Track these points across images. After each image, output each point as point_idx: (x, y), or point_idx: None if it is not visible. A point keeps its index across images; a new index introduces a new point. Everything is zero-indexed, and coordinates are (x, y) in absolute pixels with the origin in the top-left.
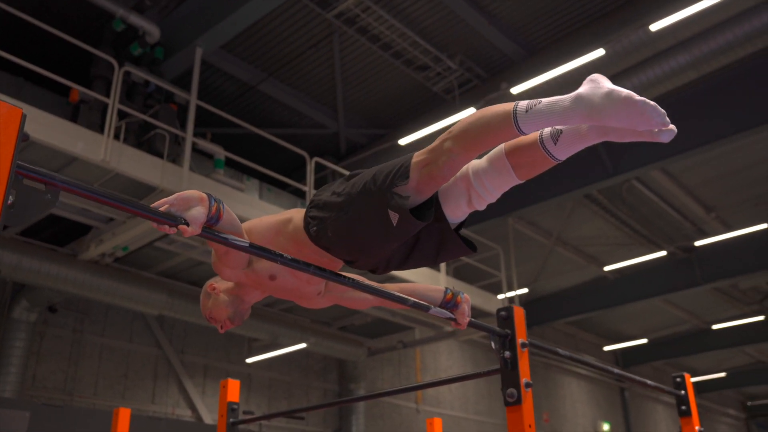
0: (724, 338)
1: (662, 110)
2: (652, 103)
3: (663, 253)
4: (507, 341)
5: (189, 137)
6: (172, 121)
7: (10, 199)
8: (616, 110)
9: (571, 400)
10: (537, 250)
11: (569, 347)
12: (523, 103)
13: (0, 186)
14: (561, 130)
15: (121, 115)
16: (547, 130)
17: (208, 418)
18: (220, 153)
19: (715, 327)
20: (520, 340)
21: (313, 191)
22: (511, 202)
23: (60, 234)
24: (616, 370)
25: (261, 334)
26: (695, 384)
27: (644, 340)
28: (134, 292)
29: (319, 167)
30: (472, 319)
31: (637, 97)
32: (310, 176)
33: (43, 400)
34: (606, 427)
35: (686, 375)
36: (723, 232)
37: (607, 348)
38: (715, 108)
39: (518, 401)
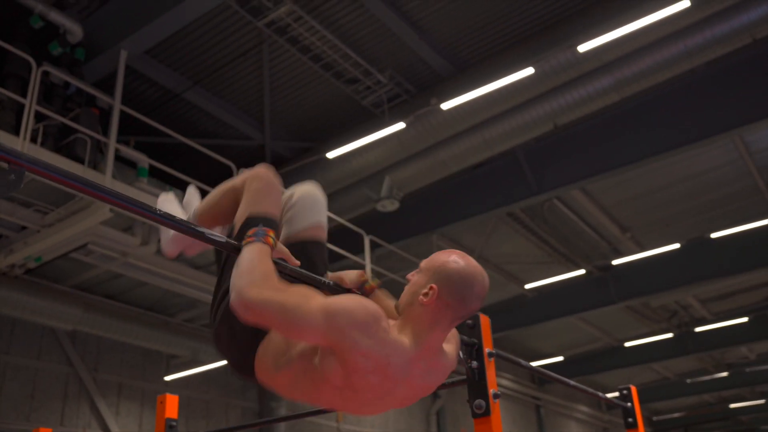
0: (635, 355)
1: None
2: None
3: (581, 271)
4: (474, 351)
5: (112, 143)
6: (93, 125)
7: None
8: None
9: None
10: None
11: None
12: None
13: None
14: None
15: (39, 117)
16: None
17: None
18: (144, 161)
19: (626, 344)
20: (486, 349)
21: None
22: (435, 219)
23: None
24: (602, 395)
25: (181, 350)
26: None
27: (560, 358)
28: (46, 305)
29: None
30: None
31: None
32: None
33: None
34: None
35: (632, 387)
36: (637, 251)
37: None
38: (634, 130)
39: (487, 412)
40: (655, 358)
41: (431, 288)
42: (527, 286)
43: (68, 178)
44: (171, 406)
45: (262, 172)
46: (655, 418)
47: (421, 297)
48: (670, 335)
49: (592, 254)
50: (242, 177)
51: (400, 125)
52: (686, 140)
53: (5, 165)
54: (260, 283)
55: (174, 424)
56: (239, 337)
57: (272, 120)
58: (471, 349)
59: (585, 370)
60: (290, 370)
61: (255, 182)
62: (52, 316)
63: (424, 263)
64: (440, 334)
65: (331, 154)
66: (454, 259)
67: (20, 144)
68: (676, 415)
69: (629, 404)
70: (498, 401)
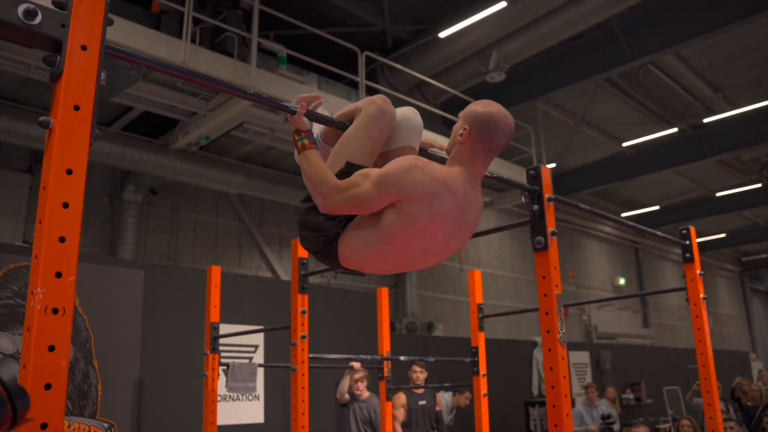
0: (726, 204)
1: None
2: None
3: (674, 129)
4: (535, 196)
5: (255, 38)
6: (239, 24)
7: (103, 75)
8: None
9: (592, 259)
10: (563, 130)
11: (591, 213)
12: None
13: (92, 64)
14: None
15: (196, 21)
16: None
17: (285, 277)
18: (282, 51)
19: (718, 194)
20: (546, 195)
21: (366, 82)
22: (539, 87)
23: (153, 128)
24: (630, 223)
25: None
26: (699, 244)
27: (656, 207)
28: (217, 174)
29: (369, 61)
30: (509, 179)
31: None
32: (362, 69)
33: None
34: (622, 281)
35: (691, 228)
36: (729, 110)
37: (624, 214)
38: None
39: (545, 247)
40: (745, 206)
41: (464, 129)
42: (625, 144)
43: (176, 70)
44: (302, 248)
45: (379, 99)
46: (744, 259)
47: (458, 138)
48: (759, 185)
49: (685, 114)
50: (362, 102)
51: (502, 4)
52: None
53: (128, 64)
54: (328, 193)
55: (305, 261)
56: (323, 232)
57: (390, 6)
58: (533, 194)
59: (679, 218)
60: (368, 240)
61: (371, 107)
62: (223, 182)
63: (461, 113)
64: (480, 166)
65: (443, 34)
66: (482, 104)
67: (183, 45)
68: (764, 255)
69: (687, 242)
70: (555, 238)
